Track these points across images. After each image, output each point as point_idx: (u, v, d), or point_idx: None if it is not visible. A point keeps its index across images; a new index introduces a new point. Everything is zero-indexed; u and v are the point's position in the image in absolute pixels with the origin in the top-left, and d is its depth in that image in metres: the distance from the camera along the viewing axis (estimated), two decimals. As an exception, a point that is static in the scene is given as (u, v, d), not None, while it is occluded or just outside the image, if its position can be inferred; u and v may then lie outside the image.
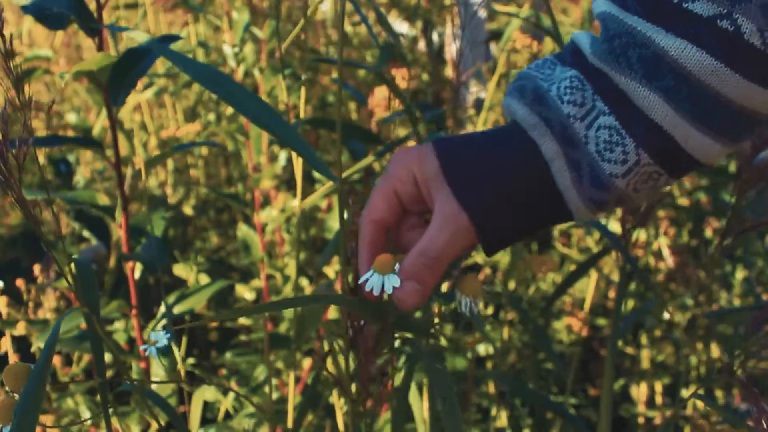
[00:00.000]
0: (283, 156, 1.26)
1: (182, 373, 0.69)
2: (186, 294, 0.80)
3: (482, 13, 1.69)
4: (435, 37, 1.62)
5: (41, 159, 1.45)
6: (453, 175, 0.42)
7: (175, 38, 0.81)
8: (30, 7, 0.72)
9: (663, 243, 1.26)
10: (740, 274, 1.31)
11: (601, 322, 1.28)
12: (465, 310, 0.43)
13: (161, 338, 0.47)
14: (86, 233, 1.19)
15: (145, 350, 0.46)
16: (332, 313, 0.90)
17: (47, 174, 1.41)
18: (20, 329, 0.84)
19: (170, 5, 1.47)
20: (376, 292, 0.41)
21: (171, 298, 0.80)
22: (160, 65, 1.49)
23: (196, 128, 1.27)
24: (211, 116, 1.42)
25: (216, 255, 1.36)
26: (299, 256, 1.07)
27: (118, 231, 0.75)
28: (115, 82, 0.73)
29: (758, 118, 0.40)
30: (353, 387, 0.43)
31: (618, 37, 0.39)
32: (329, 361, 0.44)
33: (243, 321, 1.12)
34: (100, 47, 0.73)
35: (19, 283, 0.91)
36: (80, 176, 1.37)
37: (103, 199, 0.76)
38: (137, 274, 0.77)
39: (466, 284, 0.43)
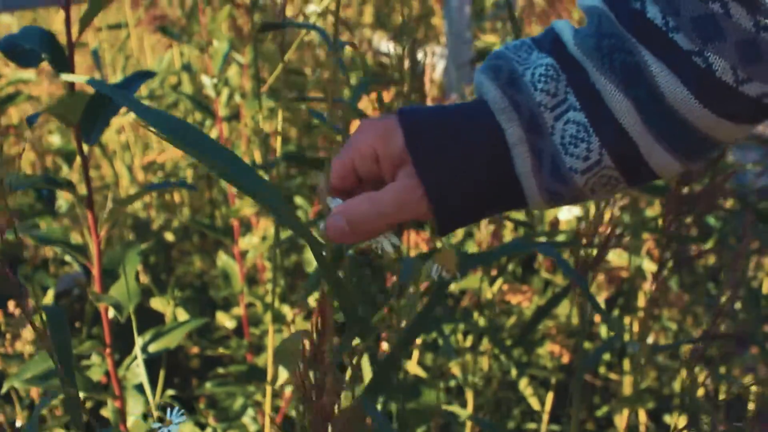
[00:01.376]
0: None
1: (154, 412, 0.68)
2: (162, 332, 0.79)
3: (468, 34, 1.69)
4: (421, 56, 1.62)
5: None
6: (416, 152, 0.42)
7: (149, 75, 0.80)
8: (1, 44, 0.71)
9: (647, 267, 1.26)
10: (725, 297, 1.31)
11: (587, 346, 1.27)
12: (434, 275, 0.47)
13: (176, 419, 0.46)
14: (68, 258, 1.19)
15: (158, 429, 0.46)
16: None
17: (30, 199, 1.40)
18: (-5, 365, 0.84)
19: (154, 28, 1.47)
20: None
21: (147, 336, 0.79)
22: (144, 88, 1.49)
23: (178, 153, 1.26)
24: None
25: (199, 280, 1.35)
26: (279, 285, 1.06)
27: (92, 270, 0.74)
28: (87, 122, 0.72)
29: (720, 145, 0.41)
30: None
31: (609, 37, 0.40)
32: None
33: (224, 350, 1.11)
34: (72, 85, 0.72)
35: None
36: (63, 201, 1.36)
37: (77, 238, 0.76)
38: (111, 313, 0.76)
39: (442, 257, 0.47)
